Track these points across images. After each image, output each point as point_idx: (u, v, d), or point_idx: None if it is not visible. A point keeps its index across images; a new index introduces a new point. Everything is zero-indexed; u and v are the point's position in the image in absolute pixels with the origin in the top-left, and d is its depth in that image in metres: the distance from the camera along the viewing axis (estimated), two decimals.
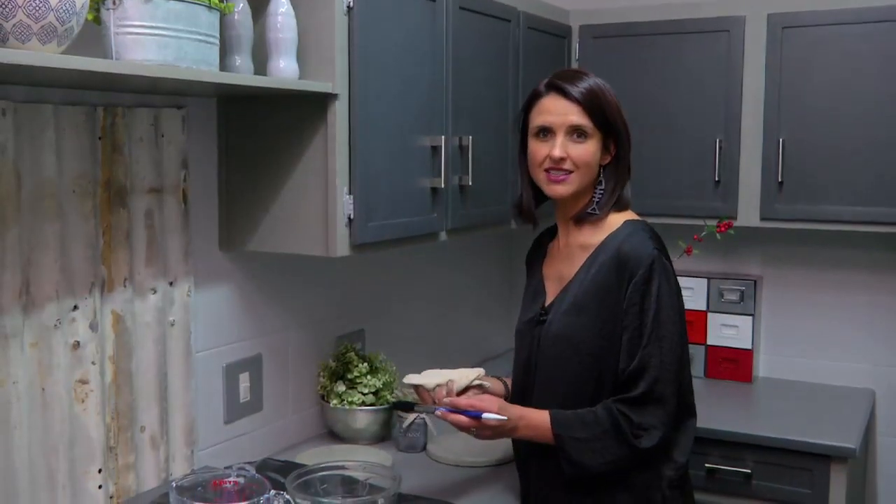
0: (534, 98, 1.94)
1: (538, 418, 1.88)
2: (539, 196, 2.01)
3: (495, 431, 1.87)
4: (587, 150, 1.88)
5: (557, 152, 1.87)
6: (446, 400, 1.89)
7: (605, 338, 1.85)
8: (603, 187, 1.93)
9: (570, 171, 1.88)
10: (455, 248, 3.13)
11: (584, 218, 1.93)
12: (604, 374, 1.86)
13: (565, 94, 1.88)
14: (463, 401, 1.86)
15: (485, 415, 1.84)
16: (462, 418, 1.85)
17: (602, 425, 1.82)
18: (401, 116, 2.17)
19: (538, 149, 1.91)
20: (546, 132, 1.90)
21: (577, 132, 1.88)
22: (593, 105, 1.88)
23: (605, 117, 1.89)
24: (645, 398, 1.81)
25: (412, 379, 1.98)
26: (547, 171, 1.90)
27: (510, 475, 2.19)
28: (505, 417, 1.84)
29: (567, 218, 1.97)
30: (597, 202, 1.93)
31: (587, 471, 1.84)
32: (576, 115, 1.87)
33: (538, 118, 1.91)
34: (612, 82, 2.96)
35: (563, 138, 1.88)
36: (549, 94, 1.91)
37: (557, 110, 1.88)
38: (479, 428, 1.86)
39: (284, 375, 2.47)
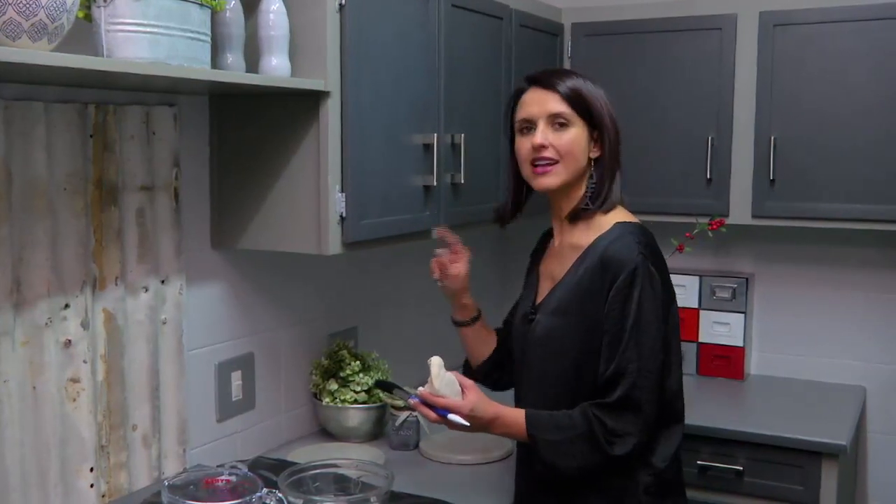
0: (517, 95, 1.95)
1: (513, 417, 1.86)
2: (527, 196, 2.02)
3: (464, 428, 1.85)
4: (569, 138, 1.87)
5: (538, 139, 1.86)
6: (424, 391, 1.85)
7: (587, 341, 1.84)
8: (595, 181, 1.92)
9: (556, 161, 1.87)
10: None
11: (578, 215, 1.92)
12: (585, 377, 1.85)
13: (544, 85, 1.89)
14: (440, 400, 1.84)
15: (450, 416, 1.83)
16: (430, 413, 1.84)
17: (576, 429, 1.80)
18: (393, 114, 2.17)
19: (522, 143, 1.91)
20: (528, 124, 1.90)
21: (557, 120, 1.87)
22: (573, 93, 1.87)
23: (586, 106, 1.88)
24: (621, 404, 1.78)
25: (435, 366, 1.86)
26: (533, 164, 1.90)
27: (502, 473, 2.19)
28: (468, 424, 1.83)
29: (562, 217, 1.96)
30: (590, 197, 1.91)
31: (559, 472, 1.83)
32: (555, 103, 1.87)
33: (520, 113, 1.92)
34: (604, 80, 2.95)
35: (544, 127, 1.87)
36: (530, 88, 1.92)
37: (537, 101, 1.89)
38: (445, 424, 1.86)
39: (277, 373, 2.47)
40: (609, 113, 1.91)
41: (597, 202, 1.91)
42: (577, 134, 1.88)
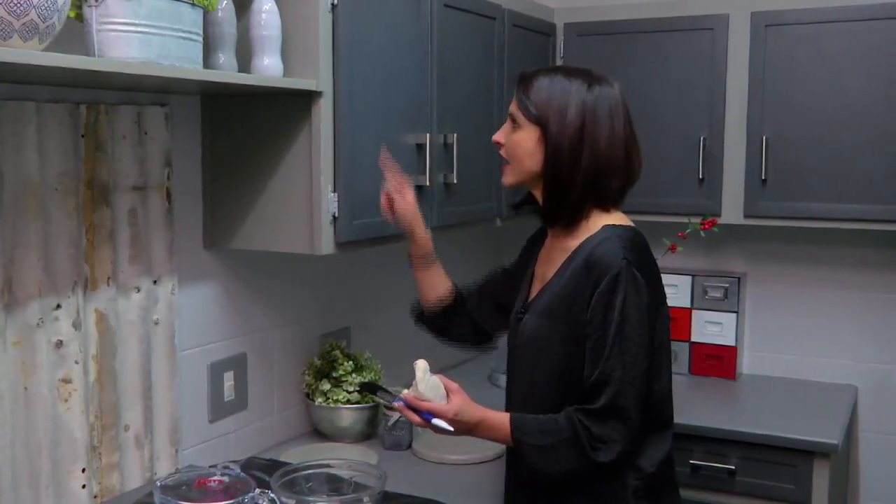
0: None
1: (498, 421, 1.85)
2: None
3: (447, 433, 1.84)
4: (514, 139, 1.88)
5: (495, 135, 1.92)
6: (408, 395, 1.85)
7: (572, 343, 1.82)
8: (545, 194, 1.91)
9: (508, 162, 1.91)
10: (441, 246, 3.12)
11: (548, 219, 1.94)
12: (570, 379, 1.83)
13: (518, 82, 1.91)
14: (424, 404, 1.83)
15: (434, 420, 1.82)
16: (414, 416, 1.84)
17: (561, 434, 1.79)
18: (385, 114, 2.17)
19: None
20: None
21: (511, 120, 1.90)
22: (525, 96, 1.87)
23: (532, 109, 1.84)
24: (605, 411, 1.76)
25: (420, 370, 1.86)
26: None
27: (494, 473, 2.19)
28: (451, 429, 1.82)
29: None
30: (540, 212, 1.93)
31: (544, 477, 1.82)
32: (513, 103, 1.89)
33: None
34: None
35: (507, 124, 1.91)
36: None
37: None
38: (429, 428, 1.85)
39: (269, 374, 2.46)
40: (566, 119, 1.82)
41: (545, 218, 1.92)
42: (522, 137, 1.87)
